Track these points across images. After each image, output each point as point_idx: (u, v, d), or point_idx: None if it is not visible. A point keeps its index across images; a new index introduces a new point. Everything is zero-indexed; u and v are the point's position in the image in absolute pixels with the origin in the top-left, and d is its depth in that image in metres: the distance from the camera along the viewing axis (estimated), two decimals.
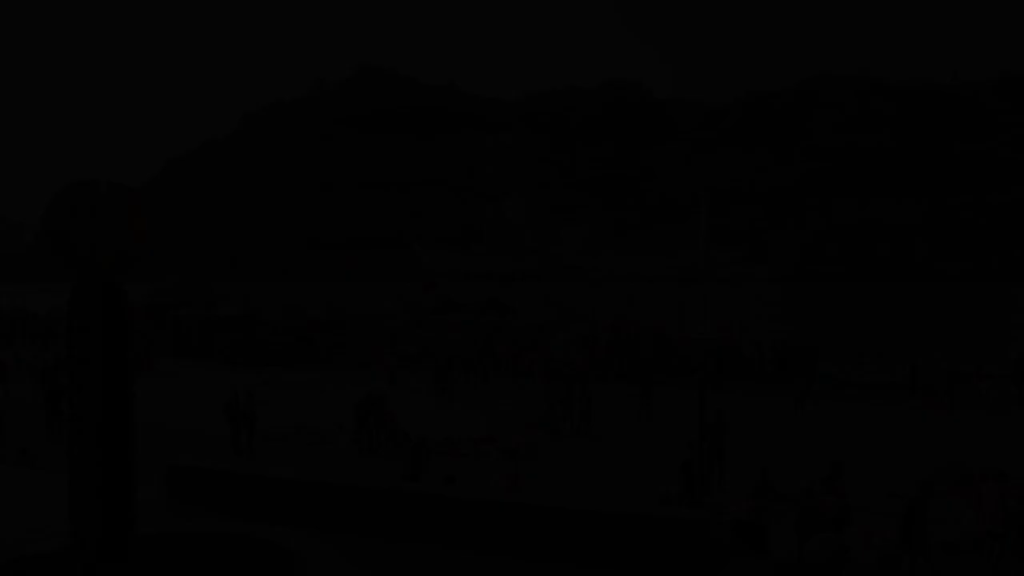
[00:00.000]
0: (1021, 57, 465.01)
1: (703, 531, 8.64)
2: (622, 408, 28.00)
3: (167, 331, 44.87)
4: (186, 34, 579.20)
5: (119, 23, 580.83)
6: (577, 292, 73.96)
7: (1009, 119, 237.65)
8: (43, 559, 6.51)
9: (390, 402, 23.03)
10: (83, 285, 5.31)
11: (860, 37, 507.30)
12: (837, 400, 30.06)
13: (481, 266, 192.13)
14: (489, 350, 40.14)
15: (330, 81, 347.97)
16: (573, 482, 18.87)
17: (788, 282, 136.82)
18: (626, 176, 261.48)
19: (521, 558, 9.06)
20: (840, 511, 12.59)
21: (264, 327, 44.58)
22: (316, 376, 36.03)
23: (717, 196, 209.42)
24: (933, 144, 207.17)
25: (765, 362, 37.99)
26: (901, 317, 76.17)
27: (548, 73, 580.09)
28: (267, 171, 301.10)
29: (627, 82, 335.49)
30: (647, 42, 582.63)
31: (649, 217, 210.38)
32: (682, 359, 38.05)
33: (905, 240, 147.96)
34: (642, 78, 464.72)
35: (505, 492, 14.61)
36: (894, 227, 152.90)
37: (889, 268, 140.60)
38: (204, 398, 29.45)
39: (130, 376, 5.48)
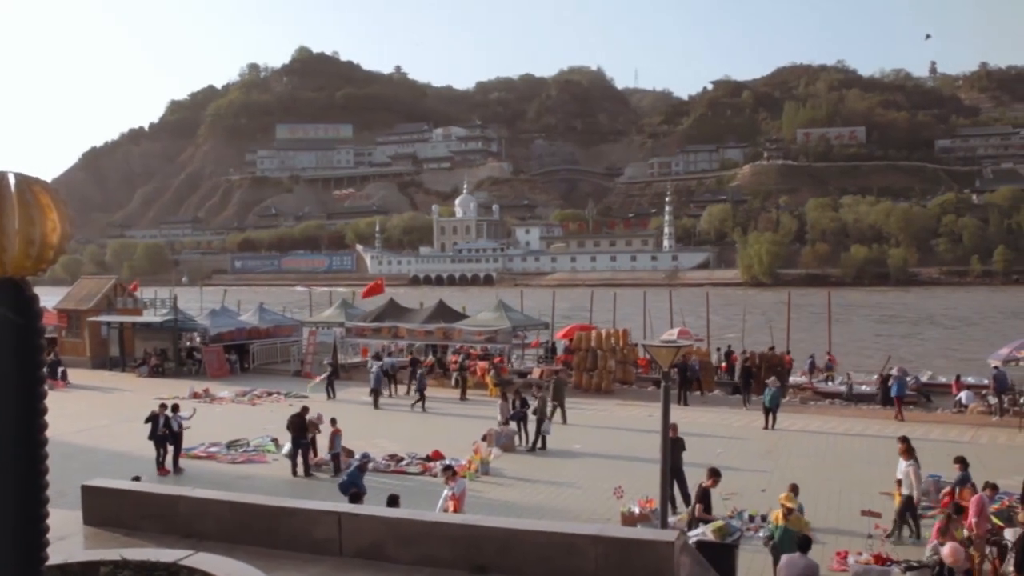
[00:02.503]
0: (1001, 50, 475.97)
1: (668, 553, 8.68)
2: (580, 423, 28.13)
3: (84, 339, 44.11)
4: (107, 14, 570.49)
5: None
6: (534, 296, 74.07)
7: (990, 115, 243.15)
8: None
9: (330, 416, 22.89)
10: None
11: (835, 27, 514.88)
12: (805, 411, 30.51)
13: (429, 268, 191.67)
14: (438, 359, 40.09)
15: (266, 66, 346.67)
16: (526, 501, 18.92)
17: (758, 287, 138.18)
18: (586, 171, 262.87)
19: None
20: (805, 532, 12.74)
21: (194, 335, 44.11)
22: (250, 388, 35.71)
23: (683, 193, 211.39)
24: (911, 140, 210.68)
25: (733, 370, 38.47)
26: (877, 323, 77.38)
27: (503, 60, 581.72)
28: (195, 162, 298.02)
29: (587, 71, 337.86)
30: (608, 29, 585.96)
31: (611, 215, 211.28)
32: (646, 368, 38.50)
33: (881, 242, 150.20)
34: (603, 66, 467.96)
35: (452, 513, 14.57)
36: (869, 228, 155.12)
37: (865, 271, 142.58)
38: (128, 414, 29.05)
39: (41, 390, 5.37)
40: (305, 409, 22.29)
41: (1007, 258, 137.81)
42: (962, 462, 16.42)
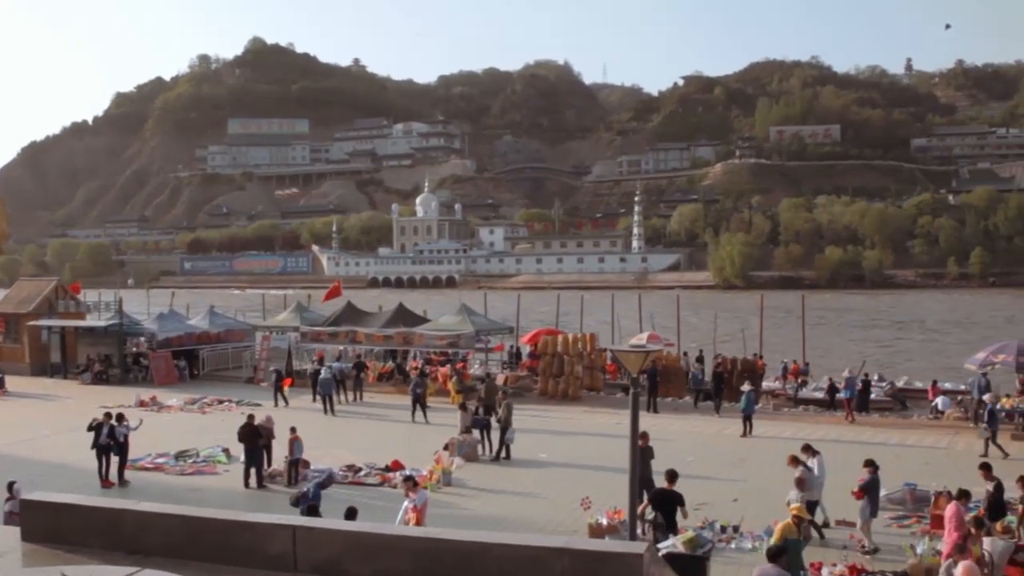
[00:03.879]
0: (978, 47, 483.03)
1: (637, 565, 8.69)
2: (546, 429, 28.17)
3: (23, 345, 43.54)
4: (49, 2, 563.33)
5: None
6: (498, 299, 74.11)
7: (966, 113, 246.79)
8: None
9: (282, 424, 22.77)
10: None
11: (809, 22, 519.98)
12: (779, 417, 30.75)
13: (388, 269, 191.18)
14: (398, 365, 40.02)
15: (217, 58, 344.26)
16: (490, 513, 18.92)
17: (730, 289, 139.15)
18: (553, 169, 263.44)
19: None
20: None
21: (140, 340, 43.69)
22: (200, 395, 35.42)
23: (653, 193, 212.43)
24: (886, 138, 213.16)
25: (704, 376, 38.70)
26: (851, 327, 78.16)
27: (466, 53, 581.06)
28: (142, 158, 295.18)
29: (554, 65, 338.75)
30: (575, 21, 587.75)
31: (578, 215, 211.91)
32: (614, 374, 38.66)
33: (856, 243, 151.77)
34: (570, 61, 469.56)
35: (414, 526, 14.52)
36: (844, 229, 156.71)
37: (839, 274, 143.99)
38: (70, 423, 28.72)
39: None
40: (251, 417, 22.14)
41: (984, 261, 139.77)
42: (871, 465, 16.83)
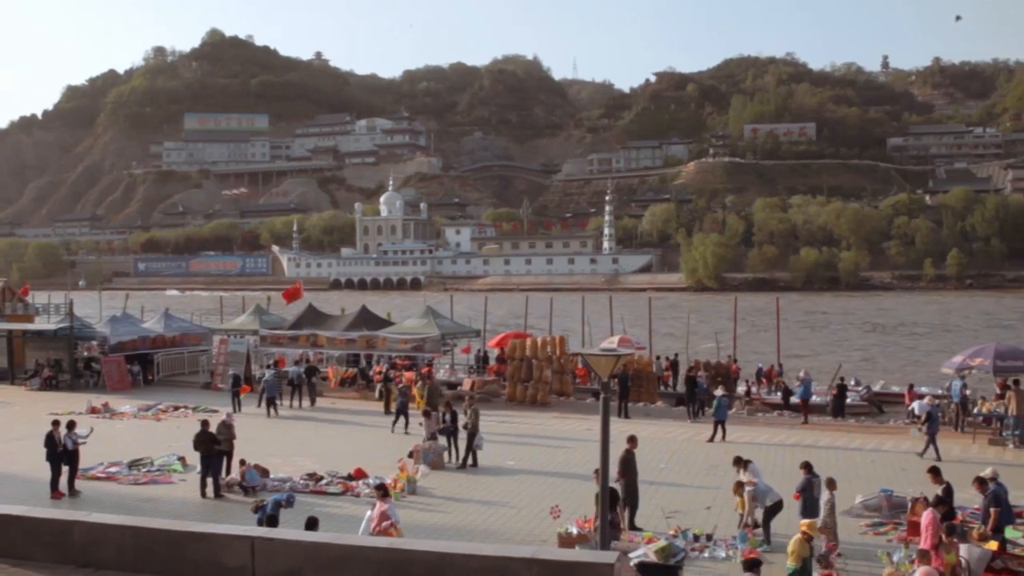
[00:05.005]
0: (954, 44, 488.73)
1: (608, 575, 8.73)
2: (514, 436, 28.19)
3: None
4: None
5: None
6: (465, 302, 74.08)
7: (943, 112, 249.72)
8: None
9: (240, 431, 22.65)
10: None
11: (784, 18, 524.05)
12: (753, 422, 30.94)
13: (351, 271, 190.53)
14: (361, 370, 39.89)
15: (173, 50, 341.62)
16: (456, 522, 18.89)
17: (703, 291, 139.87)
18: (521, 167, 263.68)
19: None
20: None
21: (92, 344, 43.24)
22: (154, 402, 35.13)
23: (624, 192, 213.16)
24: (862, 137, 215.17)
25: (676, 380, 38.91)
26: (827, 330, 78.79)
27: (432, 48, 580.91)
28: (94, 154, 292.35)
29: (522, 60, 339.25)
30: (544, 15, 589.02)
31: (548, 215, 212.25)
32: (585, 378, 38.74)
33: (831, 244, 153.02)
34: (539, 56, 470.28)
35: (378, 536, 14.48)
36: (820, 229, 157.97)
37: (815, 275, 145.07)
38: (17, 431, 28.43)
39: None
40: (206, 423, 21.98)
41: (960, 262, 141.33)
42: (807, 467, 17.23)
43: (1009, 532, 16.59)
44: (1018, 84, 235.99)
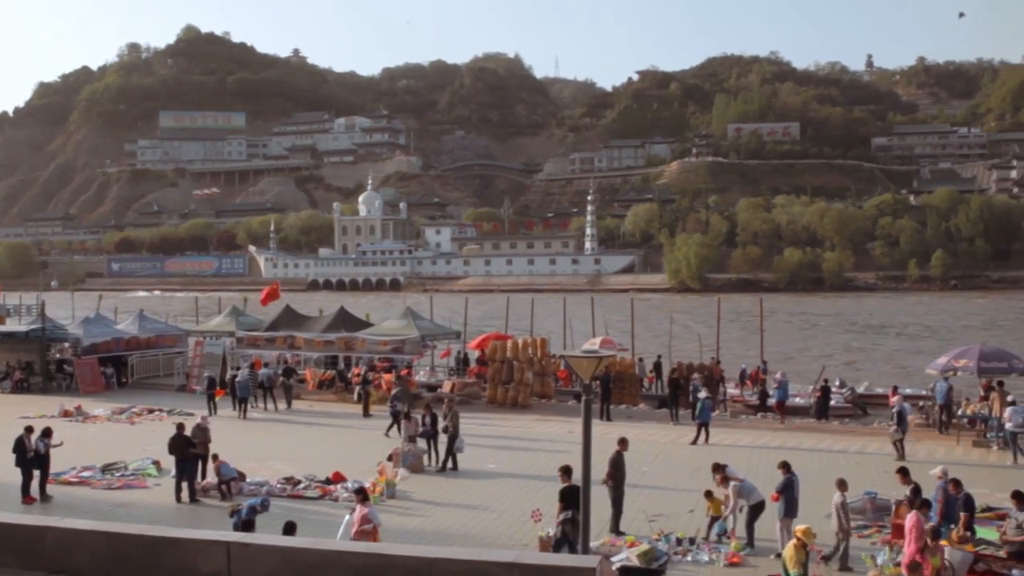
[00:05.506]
0: (939, 44, 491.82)
1: None
2: (495, 438, 28.18)
3: None
4: None
5: None
6: (445, 303, 74.06)
7: (927, 112, 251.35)
8: None
9: (215, 434, 22.56)
10: None
11: (768, 16, 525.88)
12: (737, 425, 31.06)
13: (330, 271, 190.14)
14: (339, 372, 39.82)
15: (148, 47, 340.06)
16: (436, 526, 18.89)
17: (686, 292, 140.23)
18: (502, 166, 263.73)
19: None
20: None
21: (64, 345, 42.98)
22: (128, 404, 34.96)
23: (606, 191, 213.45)
24: (846, 137, 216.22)
25: (660, 382, 39.00)
26: (812, 331, 79.12)
27: (412, 45, 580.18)
28: (67, 153, 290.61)
29: (503, 58, 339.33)
30: (526, 13, 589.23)
31: (529, 215, 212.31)
32: (566, 380, 38.77)
33: (815, 245, 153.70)
34: (521, 53, 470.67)
35: (356, 541, 14.45)
36: (803, 229, 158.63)
37: (798, 276, 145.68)
38: None
39: None
40: (181, 427, 21.91)
41: (945, 263, 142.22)
42: (785, 466, 17.36)
43: (987, 533, 16.75)
44: (1002, 84, 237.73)
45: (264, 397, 34.61)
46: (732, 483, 17.48)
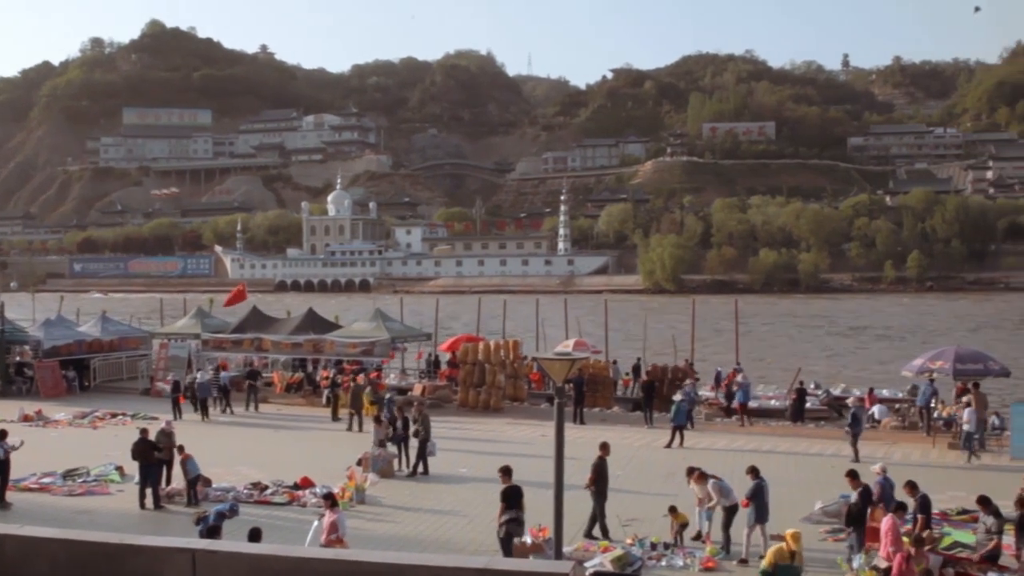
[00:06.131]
0: (915, 44, 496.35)
1: None
2: (467, 442, 28.17)
3: None
4: None
5: None
6: (415, 304, 73.96)
7: (903, 112, 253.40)
8: None
9: (180, 439, 22.41)
10: None
11: (744, 14, 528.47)
12: (711, 427, 31.20)
13: (298, 272, 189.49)
14: (307, 375, 39.67)
15: (111, 41, 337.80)
16: (407, 532, 18.85)
17: (661, 293, 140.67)
18: (474, 166, 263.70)
19: None
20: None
21: (24, 348, 42.61)
22: (91, 409, 34.70)
23: (580, 191, 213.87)
24: (822, 137, 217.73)
25: (635, 384, 39.09)
26: (788, 333, 79.59)
27: (382, 41, 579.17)
28: (27, 150, 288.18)
29: (475, 55, 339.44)
30: (498, 9, 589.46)
31: (501, 215, 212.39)
32: (539, 383, 38.80)
33: (790, 246, 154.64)
34: (493, 51, 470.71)
35: (325, 548, 14.40)
36: (779, 230, 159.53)
37: (774, 277, 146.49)
38: None
39: None
40: (144, 431, 21.77)
41: (921, 264, 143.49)
42: (754, 471, 17.38)
43: (963, 536, 16.93)
44: (978, 84, 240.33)
45: (223, 400, 34.50)
46: (711, 480, 17.57)
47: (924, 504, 16.55)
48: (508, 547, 15.98)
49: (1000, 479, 21.83)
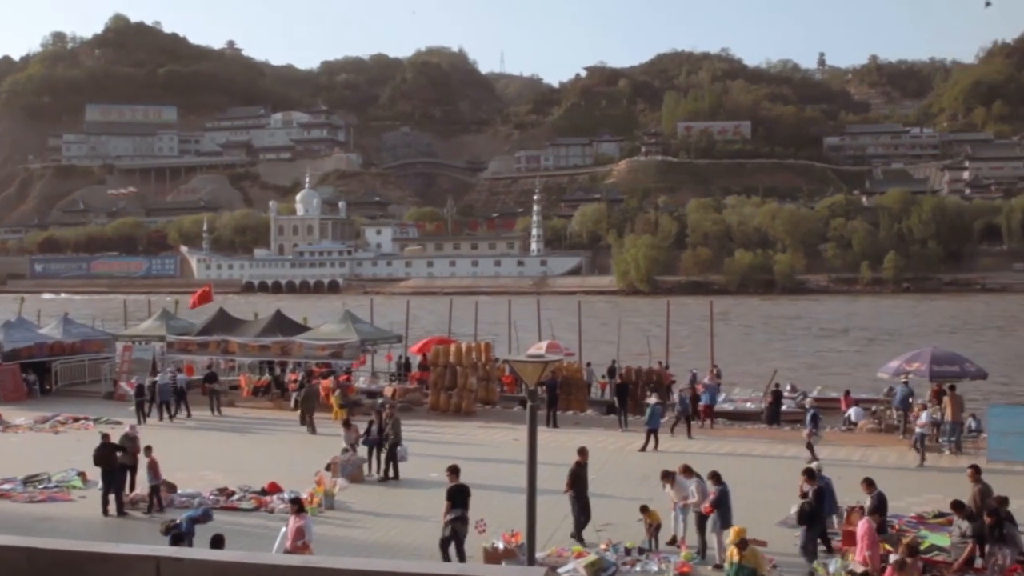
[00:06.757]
0: (892, 43, 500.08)
1: None
2: (438, 446, 28.14)
3: None
4: None
5: None
6: (386, 305, 73.81)
7: (880, 111, 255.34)
8: None
9: (144, 443, 22.27)
10: None
11: (719, 12, 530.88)
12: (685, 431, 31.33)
13: (265, 273, 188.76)
14: (275, 377, 39.52)
15: (74, 36, 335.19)
16: (376, 538, 18.82)
17: (635, 295, 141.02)
18: (445, 164, 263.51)
19: None
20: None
21: None
22: (52, 413, 34.41)
23: (553, 191, 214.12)
24: (798, 136, 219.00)
25: (610, 387, 39.17)
26: (764, 335, 79.97)
27: (352, 38, 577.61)
28: None
29: (447, 52, 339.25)
30: (470, 5, 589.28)
31: (473, 215, 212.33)
32: (512, 386, 38.83)
33: (766, 247, 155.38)
34: (465, 48, 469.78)
35: (292, 554, 14.35)
36: (755, 231, 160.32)
37: (749, 278, 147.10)
38: None
39: None
40: (107, 436, 21.61)
41: (897, 265, 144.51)
42: (716, 477, 17.48)
43: (939, 539, 17.08)
44: (955, 84, 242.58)
45: (179, 403, 34.28)
46: (695, 479, 17.61)
47: (880, 502, 16.74)
48: (447, 548, 16.38)
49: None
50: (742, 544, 14.06)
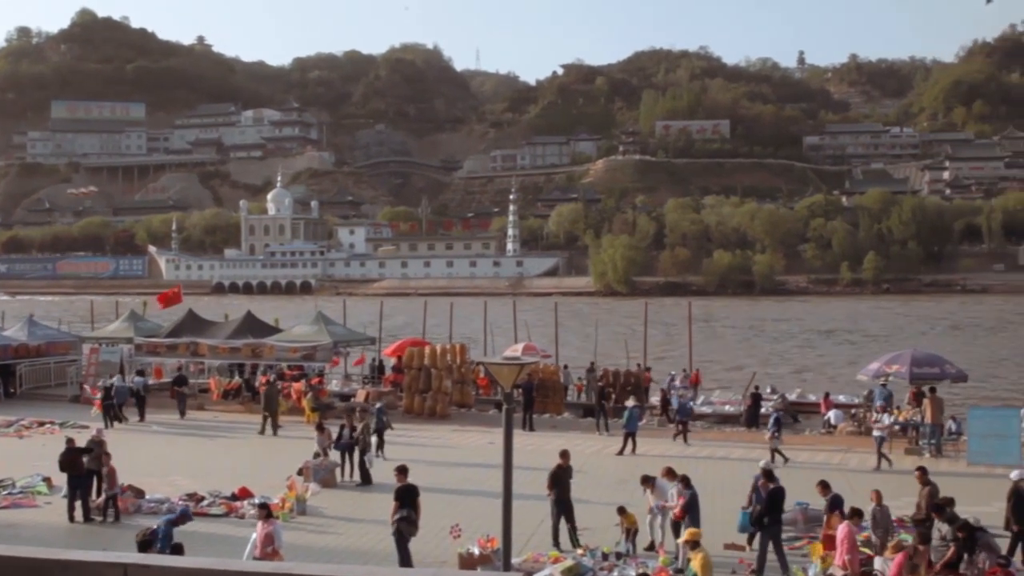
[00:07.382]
0: (871, 42, 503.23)
1: None
2: (412, 449, 28.10)
3: None
4: None
5: None
6: (359, 307, 73.64)
7: (860, 111, 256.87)
8: None
9: (112, 448, 22.14)
10: None
11: (698, 9, 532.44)
12: (665, 433, 31.36)
13: (236, 273, 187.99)
14: (245, 380, 39.39)
15: (39, 31, 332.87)
16: (349, 544, 18.78)
17: (613, 296, 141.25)
18: (420, 163, 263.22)
19: None
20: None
21: None
22: (16, 417, 34.16)
23: (529, 190, 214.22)
24: (777, 135, 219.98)
25: (589, 385, 39.22)
26: (743, 337, 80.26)
27: (324, 33, 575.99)
28: None
29: (421, 49, 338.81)
30: (445, 1, 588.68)
31: (448, 215, 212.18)
32: (487, 388, 38.82)
33: (745, 247, 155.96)
34: (440, 44, 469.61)
35: (262, 561, 14.30)
36: (733, 231, 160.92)
37: (728, 279, 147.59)
38: None
39: None
40: (72, 441, 21.47)
41: (877, 266, 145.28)
42: (686, 481, 17.64)
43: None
44: (935, 83, 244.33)
45: (140, 407, 34.09)
46: (677, 483, 17.66)
47: (834, 502, 16.94)
48: (403, 545, 16.60)
49: (957, 484, 22.14)
50: (693, 545, 14.15)
